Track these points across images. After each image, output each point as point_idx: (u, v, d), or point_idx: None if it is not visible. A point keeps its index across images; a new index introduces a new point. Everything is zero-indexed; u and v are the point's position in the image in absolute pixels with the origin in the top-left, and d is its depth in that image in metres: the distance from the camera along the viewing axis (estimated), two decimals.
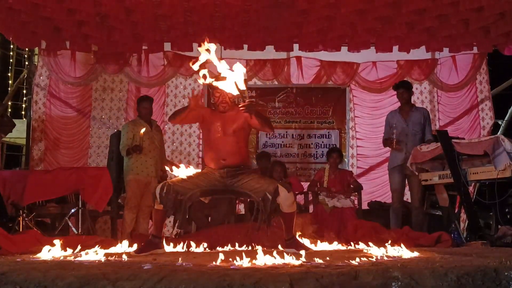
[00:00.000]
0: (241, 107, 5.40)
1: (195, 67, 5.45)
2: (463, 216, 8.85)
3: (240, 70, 5.48)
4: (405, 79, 10.08)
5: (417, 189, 8.06)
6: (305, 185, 9.63)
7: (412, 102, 8.76)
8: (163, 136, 10.40)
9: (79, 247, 5.40)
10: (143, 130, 8.04)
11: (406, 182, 8.29)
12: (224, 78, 5.43)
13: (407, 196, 8.79)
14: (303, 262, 3.90)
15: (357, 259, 3.96)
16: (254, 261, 3.90)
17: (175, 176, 5.78)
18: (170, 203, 5.40)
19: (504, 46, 10.10)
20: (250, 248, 6.03)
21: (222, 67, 5.45)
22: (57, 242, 5.16)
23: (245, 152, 5.83)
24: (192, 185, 5.58)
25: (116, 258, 4.47)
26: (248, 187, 5.59)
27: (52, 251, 4.94)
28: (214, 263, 3.92)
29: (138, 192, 8.06)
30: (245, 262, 3.84)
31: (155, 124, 8.63)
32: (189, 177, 5.69)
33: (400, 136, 8.19)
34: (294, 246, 5.52)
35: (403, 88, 8.45)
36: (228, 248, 6.02)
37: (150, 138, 8.26)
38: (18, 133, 9.57)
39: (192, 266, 3.70)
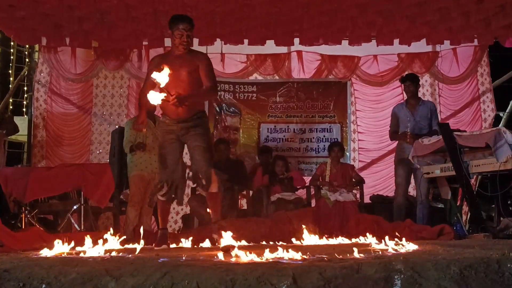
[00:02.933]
0: (171, 103, 5.45)
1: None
2: (465, 208, 8.86)
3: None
4: (406, 72, 10.08)
5: (423, 182, 8.02)
6: (307, 179, 9.64)
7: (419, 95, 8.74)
8: None
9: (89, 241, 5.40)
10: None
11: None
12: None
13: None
14: (306, 256, 3.90)
15: (360, 253, 3.97)
16: (257, 255, 3.91)
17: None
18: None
19: (505, 38, 10.08)
20: (253, 242, 6.03)
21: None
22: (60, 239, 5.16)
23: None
24: (171, 166, 5.77)
25: (119, 254, 4.48)
26: (192, 149, 5.74)
27: (55, 248, 4.94)
28: (216, 258, 3.93)
29: (142, 188, 8.05)
30: (248, 257, 3.85)
31: (158, 120, 8.62)
32: (161, 160, 5.85)
33: (406, 129, 8.18)
34: (214, 231, 5.60)
35: (410, 81, 8.42)
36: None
37: (153, 134, 8.25)
38: (19, 130, 9.56)
39: (195, 261, 3.70)
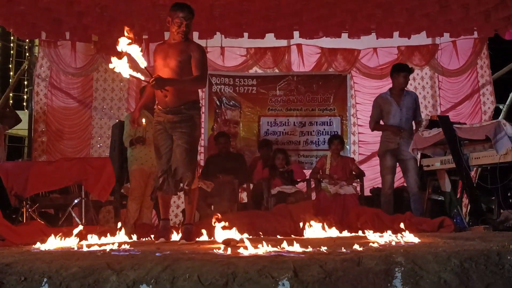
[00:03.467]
0: (150, 84, 5.44)
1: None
2: (465, 201, 8.86)
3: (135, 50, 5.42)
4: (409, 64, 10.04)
5: (414, 174, 8.01)
6: (307, 172, 9.65)
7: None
8: None
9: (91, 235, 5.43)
10: (144, 120, 8.04)
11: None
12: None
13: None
14: (307, 249, 3.91)
15: (360, 245, 3.98)
16: (257, 248, 3.92)
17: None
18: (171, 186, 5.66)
19: (505, 30, 10.06)
20: (253, 236, 6.04)
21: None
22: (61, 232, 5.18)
23: (188, 89, 5.78)
24: (165, 159, 5.73)
25: (120, 248, 4.49)
26: (175, 146, 5.66)
27: (56, 242, 4.95)
28: (217, 251, 3.94)
29: (142, 182, 8.06)
30: (249, 250, 3.86)
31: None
32: (156, 151, 5.83)
33: (394, 121, 8.16)
34: (184, 235, 5.59)
35: (407, 72, 8.29)
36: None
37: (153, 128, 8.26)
38: (20, 124, 9.56)
39: (196, 255, 3.71)
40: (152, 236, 6.10)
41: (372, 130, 8.79)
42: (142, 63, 5.41)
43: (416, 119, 8.30)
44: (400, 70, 8.33)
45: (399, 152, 8.04)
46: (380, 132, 8.50)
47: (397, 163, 8.20)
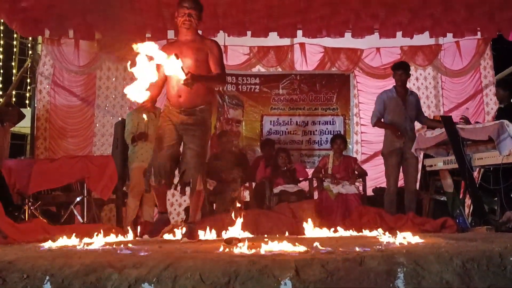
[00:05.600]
0: (184, 83, 5.23)
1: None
2: (468, 201, 8.85)
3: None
4: (410, 64, 10.05)
5: (414, 173, 8.09)
6: (310, 171, 9.65)
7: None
8: None
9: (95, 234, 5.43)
10: (145, 116, 8.07)
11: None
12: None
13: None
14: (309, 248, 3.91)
15: (363, 245, 3.97)
16: (260, 247, 3.91)
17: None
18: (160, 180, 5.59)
19: (509, 31, 10.05)
20: (255, 234, 6.04)
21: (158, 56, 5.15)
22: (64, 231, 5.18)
23: (203, 90, 5.54)
24: (165, 153, 5.58)
25: (122, 246, 4.49)
26: (185, 148, 5.55)
27: (59, 240, 4.96)
28: (219, 250, 3.94)
29: (143, 179, 8.08)
30: (251, 249, 3.86)
31: (159, 111, 8.65)
32: (157, 141, 5.68)
33: (398, 120, 8.19)
34: (187, 233, 5.46)
35: (403, 70, 8.39)
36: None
37: (155, 125, 8.28)
38: (22, 122, 9.56)
39: (198, 253, 3.71)
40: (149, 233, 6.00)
41: (373, 126, 8.81)
42: (174, 62, 5.15)
43: (420, 117, 8.34)
44: (395, 69, 8.51)
45: (404, 150, 8.06)
46: (382, 131, 8.53)
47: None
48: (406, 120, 8.21)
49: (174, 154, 5.63)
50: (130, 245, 4.49)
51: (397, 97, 8.33)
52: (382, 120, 8.48)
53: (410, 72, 8.73)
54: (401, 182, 8.48)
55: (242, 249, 3.88)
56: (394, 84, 8.54)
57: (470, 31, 10.33)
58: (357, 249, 3.80)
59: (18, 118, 9.15)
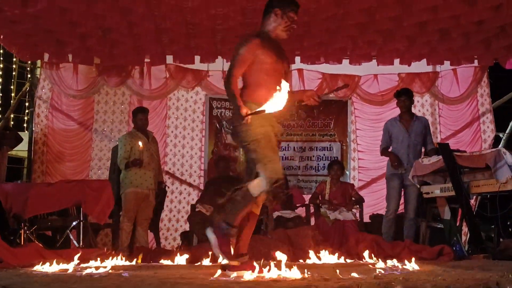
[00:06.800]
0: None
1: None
2: (465, 229, 8.85)
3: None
4: None
5: (414, 201, 8.07)
6: (307, 197, 9.63)
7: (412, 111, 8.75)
8: (166, 148, 10.47)
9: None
10: (141, 144, 8.09)
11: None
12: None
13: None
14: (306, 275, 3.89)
15: (359, 272, 3.96)
16: (255, 274, 3.90)
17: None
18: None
19: (505, 59, 10.10)
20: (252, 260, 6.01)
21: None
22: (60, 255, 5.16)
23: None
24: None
25: (117, 271, 4.47)
26: None
27: (54, 265, 4.94)
28: (216, 276, 3.92)
29: (137, 204, 8.14)
30: (246, 275, 3.84)
31: (151, 135, 8.69)
32: (275, 153, 4.82)
33: (401, 148, 8.21)
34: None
35: (405, 96, 8.44)
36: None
37: (148, 150, 8.33)
38: (20, 145, 9.54)
39: (193, 280, 3.70)
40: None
41: (381, 155, 8.85)
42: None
43: (427, 146, 8.33)
44: (397, 96, 8.56)
45: (405, 177, 8.07)
46: (380, 157, 8.58)
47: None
48: (410, 148, 8.22)
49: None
50: (125, 270, 4.47)
51: (400, 125, 8.38)
52: (390, 148, 8.51)
53: (413, 98, 8.77)
54: (400, 208, 8.50)
55: (238, 275, 3.86)
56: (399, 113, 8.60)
57: (467, 59, 10.38)
58: (353, 276, 3.79)
59: (16, 141, 9.14)
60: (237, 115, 4.53)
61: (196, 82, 10.90)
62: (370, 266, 5.02)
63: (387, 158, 8.44)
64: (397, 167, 8.13)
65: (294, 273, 3.91)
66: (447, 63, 10.62)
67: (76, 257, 5.46)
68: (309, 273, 3.97)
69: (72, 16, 8.47)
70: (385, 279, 3.54)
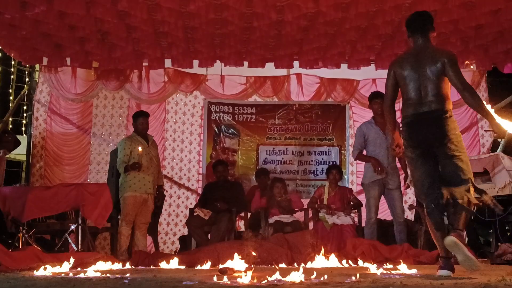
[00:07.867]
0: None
1: None
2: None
3: None
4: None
5: (400, 203, 8.06)
6: (305, 202, 9.62)
7: None
8: (164, 152, 10.46)
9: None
10: (140, 148, 8.10)
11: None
12: None
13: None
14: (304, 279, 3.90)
15: (357, 277, 3.96)
16: (254, 278, 3.90)
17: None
18: None
19: (503, 63, 10.12)
20: (250, 265, 6.01)
21: None
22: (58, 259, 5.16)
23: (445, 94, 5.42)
24: None
25: (116, 275, 4.47)
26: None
27: (53, 268, 4.93)
28: (214, 279, 3.92)
29: (135, 208, 8.14)
30: (245, 279, 3.84)
31: (151, 139, 8.70)
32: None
33: (380, 151, 8.16)
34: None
35: (381, 98, 8.27)
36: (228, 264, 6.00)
37: (147, 154, 8.33)
38: (18, 149, 9.54)
39: (193, 283, 3.70)
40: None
41: (355, 160, 8.83)
42: None
43: None
44: (372, 98, 8.46)
45: (386, 181, 8.06)
46: None
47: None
48: (388, 150, 8.13)
49: None
50: (124, 274, 4.47)
51: (376, 128, 8.31)
52: (365, 152, 8.46)
53: None
54: (387, 215, 8.51)
55: (236, 279, 3.87)
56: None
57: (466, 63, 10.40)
58: (352, 279, 3.80)
59: (14, 145, 9.14)
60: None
61: (195, 86, 10.91)
62: (368, 270, 5.02)
63: None
64: (381, 172, 8.07)
65: (293, 277, 3.91)
66: None
67: (71, 260, 5.47)
68: (307, 277, 3.97)
69: (71, 20, 8.48)
70: (383, 283, 3.55)
